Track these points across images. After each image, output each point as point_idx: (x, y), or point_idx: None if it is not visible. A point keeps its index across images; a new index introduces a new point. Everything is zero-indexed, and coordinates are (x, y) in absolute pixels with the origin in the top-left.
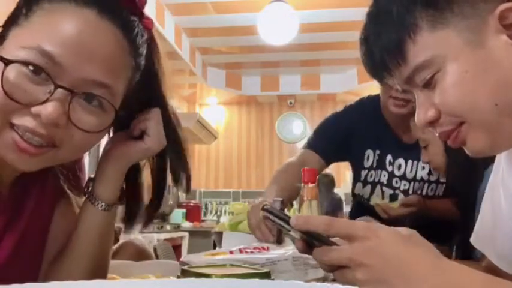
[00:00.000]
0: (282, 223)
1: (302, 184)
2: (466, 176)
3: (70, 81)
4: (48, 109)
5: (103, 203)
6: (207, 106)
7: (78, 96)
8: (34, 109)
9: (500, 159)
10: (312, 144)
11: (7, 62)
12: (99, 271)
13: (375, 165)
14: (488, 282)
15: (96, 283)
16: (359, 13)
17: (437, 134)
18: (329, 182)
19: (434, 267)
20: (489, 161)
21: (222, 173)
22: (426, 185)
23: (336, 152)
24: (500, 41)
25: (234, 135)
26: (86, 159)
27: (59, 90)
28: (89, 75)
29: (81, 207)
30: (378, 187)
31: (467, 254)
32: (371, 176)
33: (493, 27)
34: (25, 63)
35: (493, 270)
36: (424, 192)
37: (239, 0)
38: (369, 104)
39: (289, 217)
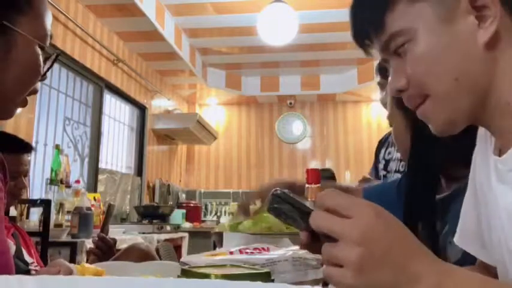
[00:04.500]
0: (296, 211)
1: (306, 185)
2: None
3: None
4: None
5: None
6: (207, 106)
7: None
8: None
9: (475, 158)
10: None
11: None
12: None
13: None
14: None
15: (97, 280)
16: None
17: (406, 104)
18: (330, 176)
19: (432, 264)
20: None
21: (222, 174)
22: (399, 162)
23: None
24: (468, 21)
25: (234, 136)
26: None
27: None
28: None
29: None
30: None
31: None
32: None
33: (464, 7)
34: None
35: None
36: (396, 168)
37: (239, 0)
38: None
39: (309, 208)
